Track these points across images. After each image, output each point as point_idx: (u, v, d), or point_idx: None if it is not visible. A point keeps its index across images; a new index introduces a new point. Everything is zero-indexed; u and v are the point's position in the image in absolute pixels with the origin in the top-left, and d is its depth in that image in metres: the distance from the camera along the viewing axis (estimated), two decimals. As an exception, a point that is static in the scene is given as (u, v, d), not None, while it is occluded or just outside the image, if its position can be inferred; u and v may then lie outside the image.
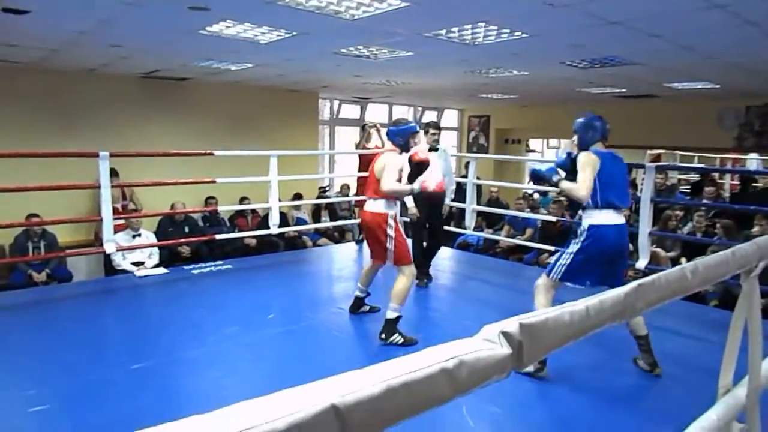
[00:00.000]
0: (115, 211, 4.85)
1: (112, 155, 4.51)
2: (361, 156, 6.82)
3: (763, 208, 4.95)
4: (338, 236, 8.47)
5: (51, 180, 5.28)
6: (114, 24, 4.31)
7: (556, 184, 3.06)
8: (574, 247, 2.97)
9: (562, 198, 6.81)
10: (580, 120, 3.07)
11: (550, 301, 3.01)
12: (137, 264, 5.80)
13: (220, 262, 5.44)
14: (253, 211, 7.69)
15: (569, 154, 3.11)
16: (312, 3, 3.67)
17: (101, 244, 4.70)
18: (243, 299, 4.34)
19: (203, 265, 5.35)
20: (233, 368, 3.05)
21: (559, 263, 3.00)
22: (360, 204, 6.91)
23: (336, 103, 10.89)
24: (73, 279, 6.05)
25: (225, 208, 7.46)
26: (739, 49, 4.74)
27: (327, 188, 9.88)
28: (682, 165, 9.32)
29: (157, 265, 5.79)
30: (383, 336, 3.41)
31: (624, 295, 0.96)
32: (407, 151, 3.62)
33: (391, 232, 3.47)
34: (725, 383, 1.52)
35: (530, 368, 2.85)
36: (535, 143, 14.09)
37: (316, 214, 8.63)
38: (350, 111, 11.22)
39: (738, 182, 9.34)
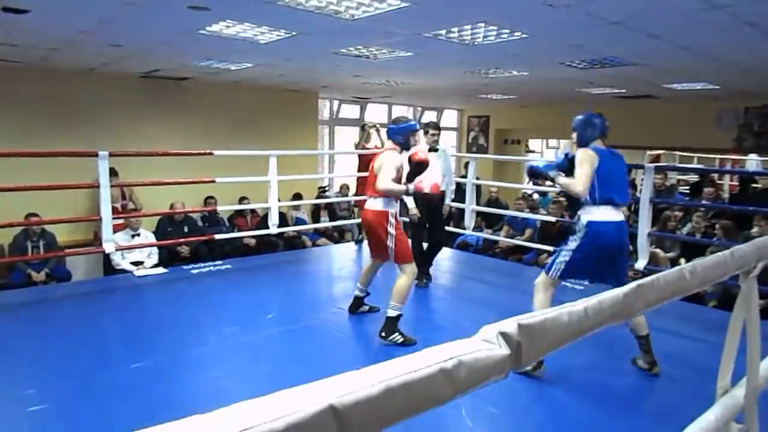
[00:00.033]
0: (114, 210, 4.86)
1: (111, 155, 4.51)
2: (360, 156, 6.82)
3: (762, 209, 4.95)
4: (337, 236, 8.46)
5: (50, 179, 5.28)
6: (114, 23, 4.31)
7: (552, 180, 3.05)
8: (572, 244, 2.96)
9: (562, 198, 6.82)
10: (579, 117, 3.06)
11: (550, 299, 3.00)
12: (136, 264, 5.80)
13: (219, 262, 5.43)
14: (253, 211, 7.69)
15: (566, 154, 3.11)
16: (312, 3, 3.67)
17: (100, 244, 4.69)
18: (242, 299, 4.34)
19: (202, 264, 5.35)
20: (232, 368, 3.05)
21: (557, 261, 2.99)
22: (359, 204, 6.92)
23: (336, 103, 10.90)
24: (72, 278, 6.04)
25: (224, 208, 7.46)
26: (738, 50, 4.75)
27: (326, 188, 9.88)
28: (682, 166, 9.32)
29: (156, 265, 5.80)
30: (383, 334, 3.42)
31: (623, 295, 0.97)
32: (407, 149, 3.61)
33: (391, 230, 3.48)
34: (723, 384, 1.52)
35: (527, 366, 2.84)
36: (534, 144, 14.09)
37: (315, 214, 8.63)
38: (350, 111, 11.23)
39: (737, 183, 9.35)
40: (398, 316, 3.42)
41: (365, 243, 5.16)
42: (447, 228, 5.44)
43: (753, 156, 9.63)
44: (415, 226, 4.71)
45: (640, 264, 4.64)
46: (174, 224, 6.78)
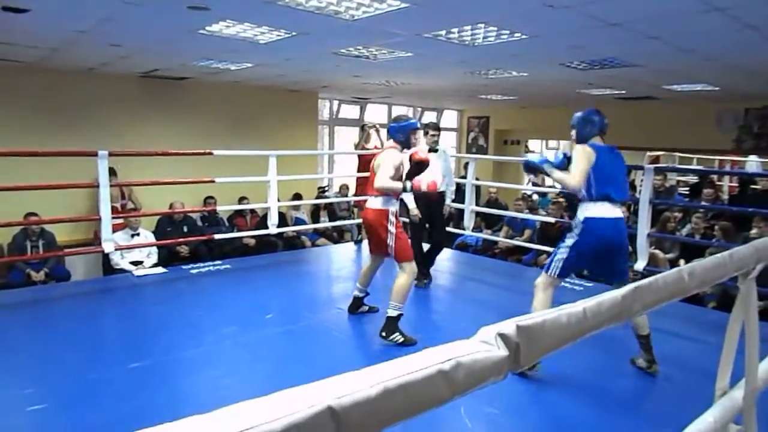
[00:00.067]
0: (113, 210, 4.85)
1: (111, 154, 4.51)
2: (360, 156, 6.83)
3: (761, 210, 4.95)
4: (337, 236, 8.47)
5: (49, 179, 5.28)
6: (113, 23, 4.30)
7: (548, 173, 3.04)
8: (569, 240, 2.95)
9: (561, 199, 6.82)
10: (578, 114, 3.05)
11: (550, 298, 2.98)
12: (136, 263, 5.80)
13: (218, 262, 5.43)
14: (252, 211, 7.69)
15: (565, 154, 3.11)
16: (312, 3, 3.67)
17: (100, 243, 4.69)
18: (241, 299, 4.34)
19: (202, 264, 5.35)
20: (232, 368, 3.04)
21: (555, 258, 2.98)
22: (359, 204, 6.92)
23: (335, 103, 10.90)
24: (71, 278, 6.04)
25: (224, 208, 7.46)
26: (738, 51, 4.75)
27: (326, 188, 9.88)
28: (681, 167, 9.33)
29: (155, 265, 5.80)
30: (383, 334, 3.41)
31: (621, 297, 0.97)
32: (408, 148, 3.61)
33: (391, 228, 3.48)
34: (722, 385, 1.52)
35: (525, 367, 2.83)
36: (534, 144, 14.09)
37: (314, 214, 8.64)
38: (349, 111, 11.23)
39: (737, 184, 9.36)
40: (398, 316, 3.41)
41: (364, 243, 5.17)
42: (447, 228, 5.44)
43: (753, 157, 9.63)
44: (415, 226, 4.71)
45: (640, 265, 4.64)
46: (173, 224, 6.78)
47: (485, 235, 7.31)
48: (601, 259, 2.95)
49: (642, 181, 5.01)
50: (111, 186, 4.67)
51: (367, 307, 3.97)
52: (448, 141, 12.86)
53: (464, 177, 6.29)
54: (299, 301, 4.36)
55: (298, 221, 8.13)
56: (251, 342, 3.42)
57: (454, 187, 5.25)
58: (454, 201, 5.43)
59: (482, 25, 4.19)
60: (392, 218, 3.49)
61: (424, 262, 4.89)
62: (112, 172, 5.50)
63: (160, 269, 5.31)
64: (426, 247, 4.94)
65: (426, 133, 4.75)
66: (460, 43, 4.83)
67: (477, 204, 6.84)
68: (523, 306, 2.75)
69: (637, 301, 1.00)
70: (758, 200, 7.31)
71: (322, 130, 10.81)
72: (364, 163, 6.68)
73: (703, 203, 6.78)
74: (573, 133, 3.06)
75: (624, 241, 3.02)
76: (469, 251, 7.19)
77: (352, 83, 8.19)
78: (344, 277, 5.20)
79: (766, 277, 2.28)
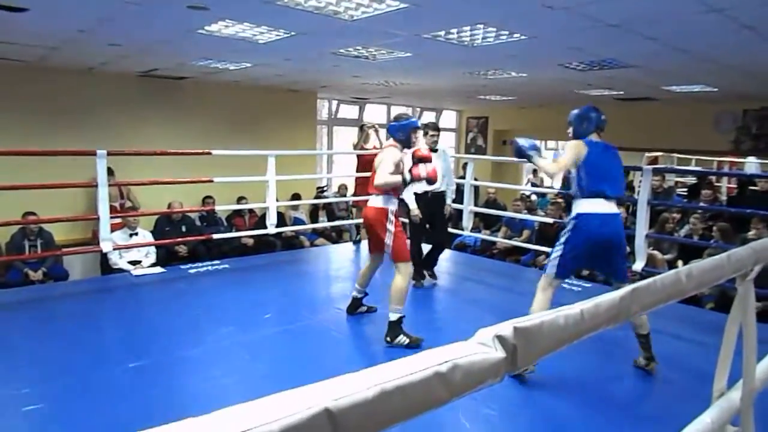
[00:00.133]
0: (112, 209, 4.85)
1: (109, 154, 4.50)
2: (359, 156, 6.83)
3: (759, 212, 4.96)
4: (336, 236, 8.47)
5: (48, 178, 5.27)
6: (113, 23, 4.30)
7: (530, 158, 3.03)
8: (563, 238, 2.96)
9: (560, 200, 6.83)
10: (575, 111, 3.05)
11: (549, 300, 2.97)
12: (134, 263, 5.80)
13: (217, 262, 5.43)
14: (251, 210, 7.69)
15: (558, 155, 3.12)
16: (311, 3, 3.67)
17: (98, 243, 4.69)
18: (240, 299, 4.33)
19: (200, 264, 5.34)
20: (230, 368, 3.04)
21: (551, 257, 2.99)
22: (358, 204, 6.92)
23: (334, 103, 10.90)
24: (69, 278, 6.04)
25: (222, 208, 7.46)
26: (737, 52, 4.76)
27: (325, 188, 9.88)
28: (680, 168, 9.33)
29: (153, 264, 5.79)
30: (388, 338, 3.40)
31: (619, 299, 0.97)
32: (408, 147, 3.60)
33: (390, 227, 3.47)
34: (720, 387, 1.52)
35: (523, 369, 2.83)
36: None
37: (313, 214, 8.64)
38: (348, 111, 11.23)
39: (735, 185, 9.36)
40: (400, 319, 3.40)
41: (363, 243, 5.17)
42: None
43: (752, 159, 9.64)
44: (415, 226, 4.71)
45: (638, 266, 4.65)
46: (172, 224, 6.77)
47: (484, 235, 7.31)
48: (597, 256, 2.94)
49: (640, 181, 5.02)
50: (109, 185, 4.67)
51: (365, 308, 3.97)
52: (446, 141, 12.86)
53: (463, 177, 6.29)
54: (298, 301, 4.36)
55: (297, 221, 8.13)
56: (250, 342, 3.42)
57: (454, 187, 5.26)
58: (453, 201, 5.43)
59: (481, 26, 4.20)
60: (391, 217, 3.49)
61: (424, 263, 4.89)
62: (109, 172, 5.49)
63: (158, 269, 5.31)
64: (428, 247, 4.94)
65: (425, 134, 4.75)
66: (459, 44, 4.83)
67: (476, 204, 6.84)
68: (522, 307, 2.74)
69: (634, 302, 1.01)
70: (757, 201, 7.32)
71: (320, 130, 10.81)
72: (363, 163, 6.68)
73: (701, 204, 6.78)
74: (570, 130, 3.06)
75: (620, 238, 2.99)
76: (468, 251, 7.20)
77: (351, 83, 8.19)
78: (343, 277, 5.20)
79: (764, 279, 2.28)
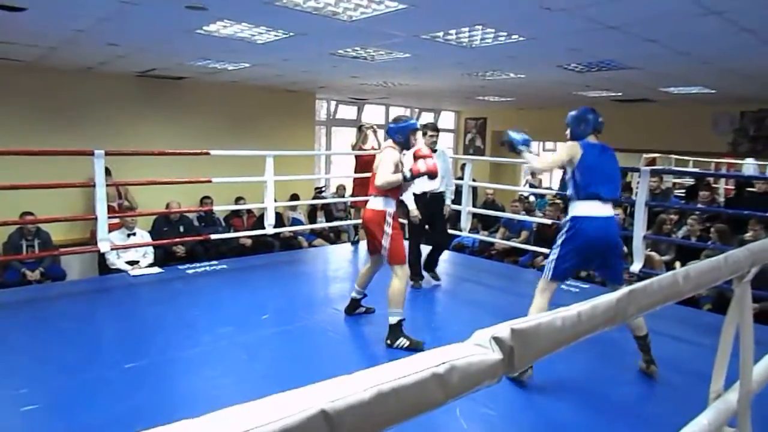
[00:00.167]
0: (110, 209, 4.84)
1: (107, 154, 4.50)
2: (357, 157, 6.83)
3: (757, 213, 4.97)
4: (334, 237, 8.46)
5: (46, 178, 5.26)
6: (111, 22, 4.30)
7: (519, 152, 3.04)
8: (559, 241, 2.96)
9: (558, 201, 6.83)
10: (573, 113, 3.05)
11: (547, 302, 2.97)
12: (132, 263, 5.78)
13: (215, 262, 5.42)
14: (249, 211, 7.69)
15: None
16: (309, 4, 3.67)
17: (96, 243, 4.68)
18: (238, 299, 4.33)
19: (198, 264, 5.34)
20: (228, 368, 3.04)
21: (548, 260, 2.99)
22: (356, 205, 6.92)
23: (333, 103, 10.90)
24: (66, 278, 6.02)
25: (220, 208, 7.45)
26: (735, 55, 4.77)
27: (323, 189, 9.88)
28: (677, 169, 9.34)
29: (151, 265, 5.78)
30: (389, 342, 3.40)
31: (616, 300, 0.97)
32: (407, 148, 3.59)
33: (388, 229, 3.46)
34: (716, 388, 1.53)
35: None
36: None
37: (311, 214, 8.63)
38: (347, 112, 11.23)
39: (733, 187, 9.38)
40: (400, 321, 3.40)
41: (362, 244, 5.17)
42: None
43: (750, 160, 9.66)
44: (414, 227, 4.71)
45: (636, 267, 4.65)
46: (170, 224, 6.76)
47: (482, 236, 7.32)
48: (593, 258, 2.95)
49: (638, 183, 5.02)
50: (107, 185, 4.66)
51: (363, 308, 3.97)
52: (445, 142, 12.87)
53: (461, 178, 6.29)
54: (296, 301, 4.36)
55: (295, 222, 8.12)
56: (247, 342, 3.41)
57: (453, 188, 5.26)
58: (452, 202, 5.44)
59: (480, 27, 4.20)
60: (389, 219, 3.48)
61: (425, 264, 4.89)
62: (107, 172, 5.49)
63: (156, 269, 5.30)
64: (427, 248, 4.94)
65: (424, 134, 4.75)
66: (458, 45, 4.84)
67: (474, 205, 6.84)
68: (520, 308, 2.74)
69: (631, 304, 1.01)
70: (754, 203, 7.33)
71: (319, 130, 10.81)
72: (362, 163, 6.69)
73: (699, 205, 6.79)
74: (567, 132, 3.06)
75: (616, 240, 3.00)
76: (466, 252, 7.20)
77: (349, 84, 8.19)
78: (341, 278, 5.20)
79: (761, 280, 2.29)
